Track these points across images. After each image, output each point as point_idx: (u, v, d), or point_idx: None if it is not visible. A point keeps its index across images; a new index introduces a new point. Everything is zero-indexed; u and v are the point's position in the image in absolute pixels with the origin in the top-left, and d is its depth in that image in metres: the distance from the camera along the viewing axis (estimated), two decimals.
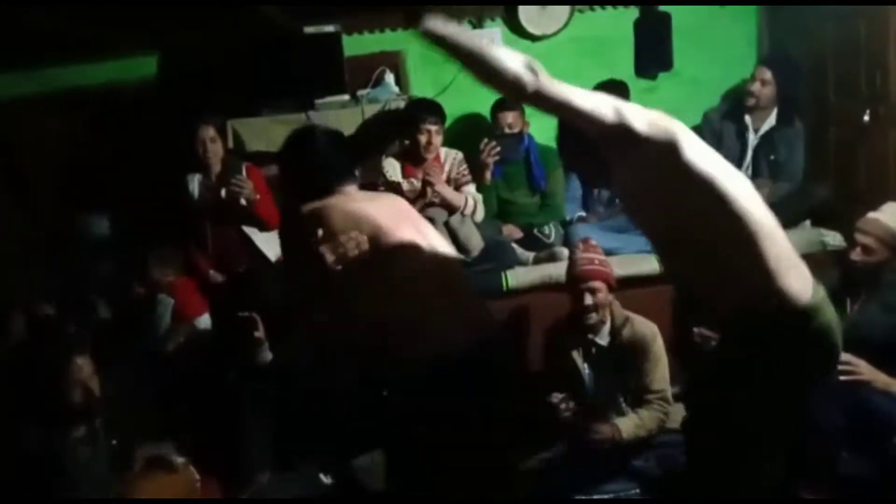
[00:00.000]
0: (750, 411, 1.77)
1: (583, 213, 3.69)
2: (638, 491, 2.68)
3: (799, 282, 1.74)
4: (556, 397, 2.75)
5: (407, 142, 3.60)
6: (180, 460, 2.53)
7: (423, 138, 3.50)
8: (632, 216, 2.18)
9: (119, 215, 3.97)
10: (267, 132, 3.70)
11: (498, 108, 3.72)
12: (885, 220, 2.63)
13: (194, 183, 3.55)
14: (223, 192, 3.46)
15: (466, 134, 3.96)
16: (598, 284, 2.76)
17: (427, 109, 3.56)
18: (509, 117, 3.69)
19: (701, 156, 1.72)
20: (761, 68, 3.62)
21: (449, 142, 3.72)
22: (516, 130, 3.70)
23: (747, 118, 3.63)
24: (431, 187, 3.45)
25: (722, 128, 3.67)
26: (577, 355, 2.82)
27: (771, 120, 3.61)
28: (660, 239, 1.95)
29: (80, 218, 4.00)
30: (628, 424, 2.70)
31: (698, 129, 3.59)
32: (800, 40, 3.77)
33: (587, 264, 2.80)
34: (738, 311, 1.78)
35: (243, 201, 3.39)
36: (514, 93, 1.59)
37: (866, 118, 3.26)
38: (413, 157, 3.57)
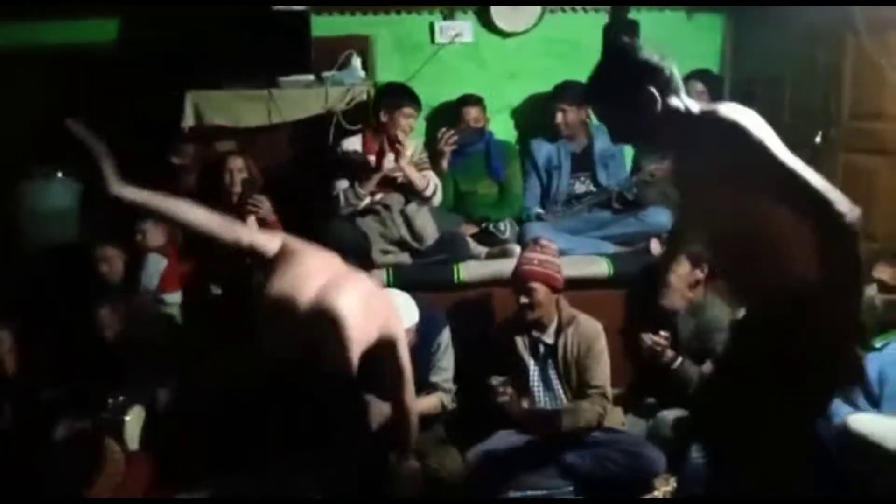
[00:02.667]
0: (785, 404, 1.79)
1: (540, 210, 3.94)
2: (572, 489, 2.79)
3: None
4: (496, 380, 2.83)
5: (377, 123, 3.64)
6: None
7: (400, 123, 3.59)
8: (688, 202, 2.16)
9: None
10: (228, 106, 3.64)
11: (463, 102, 3.88)
12: None
13: None
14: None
15: (429, 124, 4.04)
16: (534, 285, 2.87)
17: (408, 96, 3.65)
18: (473, 112, 3.89)
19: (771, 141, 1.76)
20: (694, 82, 3.82)
21: None
22: (479, 125, 3.90)
23: None
24: (399, 163, 3.57)
25: None
26: (523, 351, 2.97)
27: None
28: (711, 228, 1.99)
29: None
30: (570, 416, 2.83)
31: None
32: (761, 59, 3.94)
33: (525, 264, 2.93)
34: (786, 299, 1.76)
35: (253, 220, 3.43)
36: None
37: (818, 139, 3.40)
38: (379, 141, 3.62)
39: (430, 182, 3.68)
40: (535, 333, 2.97)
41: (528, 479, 2.83)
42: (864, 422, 1.72)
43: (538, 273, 2.90)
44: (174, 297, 3.43)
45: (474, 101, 3.90)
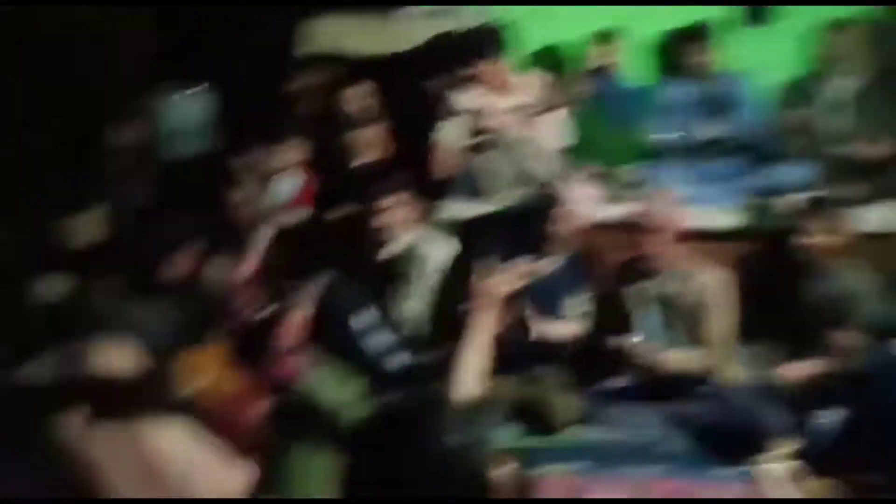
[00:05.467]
0: None
1: (667, 155, 3.76)
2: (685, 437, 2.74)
3: None
4: (628, 342, 2.84)
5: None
6: None
7: (502, 70, 3.50)
8: None
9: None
10: (345, 34, 3.64)
11: (593, 39, 3.73)
12: None
13: None
14: None
15: (548, 62, 3.88)
16: (654, 234, 2.87)
17: (510, 40, 3.54)
18: (603, 51, 3.72)
19: None
20: None
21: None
22: (608, 64, 3.74)
23: None
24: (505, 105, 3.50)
25: None
26: (640, 298, 2.94)
27: None
28: None
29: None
30: (679, 357, 2.83)
31: None
32: None
33: (646, 212, 2.93)
34: None
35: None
36: None
37: None
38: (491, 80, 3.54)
39: (545, 127, 3.55)
40: (653, 281, 2.91)
41: (636, 422, 2.82)
42: None
43: (659, 222, 2.87)
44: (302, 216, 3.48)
45: (607, 37, 3.73)
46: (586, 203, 3.37)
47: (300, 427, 1.70)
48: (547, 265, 3.05)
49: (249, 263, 2.97)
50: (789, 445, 2.69)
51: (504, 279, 2.13)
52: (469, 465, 1.19)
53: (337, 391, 1.59)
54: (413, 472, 1.17)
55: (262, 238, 3.10)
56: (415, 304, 3.13)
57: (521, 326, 2.90)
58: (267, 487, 1.71)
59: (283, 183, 3.48)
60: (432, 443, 1.15)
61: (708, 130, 3.80)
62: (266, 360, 1.63)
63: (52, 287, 2.51)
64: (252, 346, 1.78)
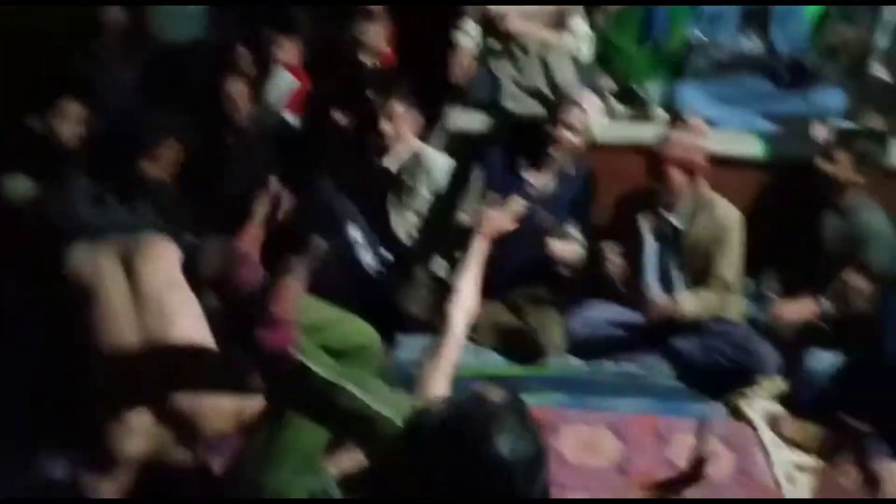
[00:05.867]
0: None
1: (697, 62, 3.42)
2: (673, 371, 2.73)
3: None
4: (608, 247, 2.73)
5: None
6: None
7: None
8: None
9: None
10: None
11: None
12: None
13: None
14: None
15: None
16: (670, 169, 2.68)
17: None
18: None
19: None
20: None
21: None
22: None
23: None
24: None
25: None
26: (646, 229, 2.78)
27: None
28: None
29: None
30: (690, 302, 2.67)
31: None
32: None
33: (665, 144, 2.73)
34: None
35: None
36: None
37: None
38: None
39: (567, 34, 3.32)
40: (662, 213, 2.76)
41: (627, 354, 2.79)
42: None
43: (677, 157, 2.68)
44: (295, 121, 3.32)
45: None
46: (600, 118, 3.17)
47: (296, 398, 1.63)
48: (549, 184, 2.93)
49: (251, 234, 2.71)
50: (777, 384, 2.65)
51: (506, 213, 2.08)
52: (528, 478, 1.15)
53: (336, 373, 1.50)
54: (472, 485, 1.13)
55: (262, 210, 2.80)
56: (412, 217, 3.03)
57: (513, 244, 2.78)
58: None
59: (280, 80, 3.30)
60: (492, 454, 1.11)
61: (745, 44, 3.50)
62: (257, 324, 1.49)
63: (26, 186, 2.45)
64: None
